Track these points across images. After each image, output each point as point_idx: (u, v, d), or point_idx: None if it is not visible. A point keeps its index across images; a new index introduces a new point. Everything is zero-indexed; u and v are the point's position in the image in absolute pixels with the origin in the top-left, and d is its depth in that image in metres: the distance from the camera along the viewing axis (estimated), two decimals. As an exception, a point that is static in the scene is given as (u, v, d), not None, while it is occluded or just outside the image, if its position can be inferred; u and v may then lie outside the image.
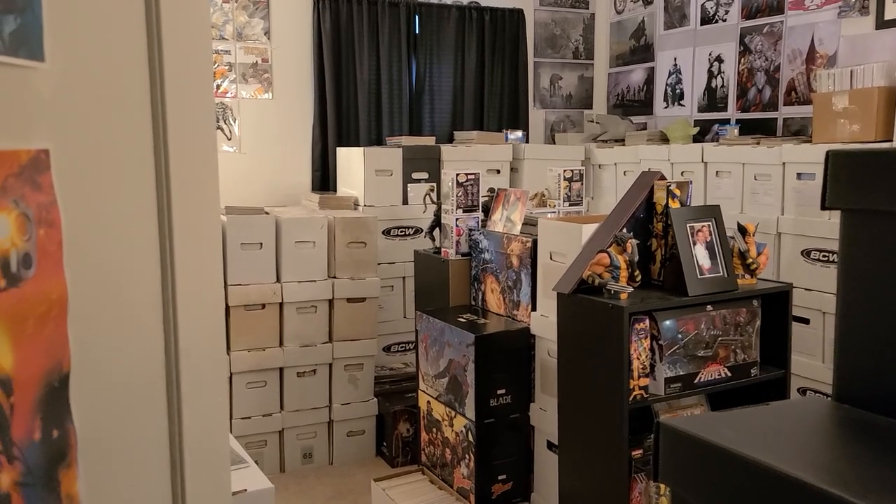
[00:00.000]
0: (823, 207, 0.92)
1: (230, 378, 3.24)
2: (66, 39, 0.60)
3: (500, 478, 2.58)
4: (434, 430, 2.78)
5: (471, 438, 2.54)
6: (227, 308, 3.21)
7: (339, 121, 4.09)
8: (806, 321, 2.90)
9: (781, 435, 0.77)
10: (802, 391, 2.93)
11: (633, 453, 2.02)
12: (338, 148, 4.01)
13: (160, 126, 0.67)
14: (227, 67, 3.88)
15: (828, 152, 0.92)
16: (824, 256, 2.84)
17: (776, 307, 2.27)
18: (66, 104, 0.59)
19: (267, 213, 3.39)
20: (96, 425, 0.62)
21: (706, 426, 0.79)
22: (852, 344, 0.88)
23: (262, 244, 3.26)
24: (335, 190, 4.04)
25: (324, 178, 4.09)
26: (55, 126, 0.58)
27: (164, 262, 0.68)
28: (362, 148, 3.72)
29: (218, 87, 3.87)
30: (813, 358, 2.87)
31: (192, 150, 0.70)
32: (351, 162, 3.81)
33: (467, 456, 2.57)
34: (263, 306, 3.28)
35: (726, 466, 0.75)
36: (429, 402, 2.80)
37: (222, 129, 3.89)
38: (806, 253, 2.93)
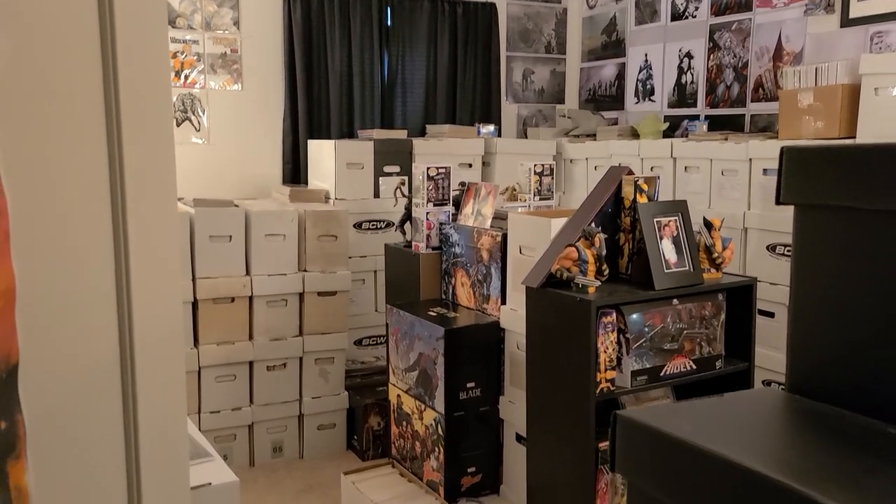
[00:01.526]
0: (778, 202, 0.94)
1: (198, 372, 3.22)
2: (16, 22, 0.59)
3: (469, 470, 2.59)
4: (404, 423, 2.78)
5: (440, 431, 2.55)
6: (196, 301, 3.18)
7: (310, 113, 4.07)
8: (771, 315, 2.95)
9: (735, 425, 0.79)
10: (767, 383, 2.98)
11: (600, 445, 2.04)
12: (309, 140, 3.99)
13: (113, 113, 0.66)
14: (195, 58, 3.83)
15: (782, 148, 0.93)
16: (789, 251, 2.88)
17: (741, 301, 2.30)
18: (13, 92, 0.58)
19: (236, 206, 3.36)
20: (47, 417, 0.62)
21: (662, 417, 0.80)
22: (805, 337, 0.90)
23: (231, 237, 3.23)
24: (306, 183, 4.02)
25: (294, 171, 4.07)
26: (2, 114, 0.57)
27: (118, 252, 0.67)
28: (333, 141, 3.70)
29: (186, 77, 3.82)
30: (777, 351, 2.92)
31: (146, 136, 0.69)
32: (322, 155, 3.79)
33: (437, 449, 2.58)
34: (233, 300, 3.26)
35: (681, 456, 0.76)
36: (399, 395, 2.81)
37: (191, 121, 3.85)
38: (771, 248, 2.97)
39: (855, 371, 0.85)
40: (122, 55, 0.66)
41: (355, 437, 3.51)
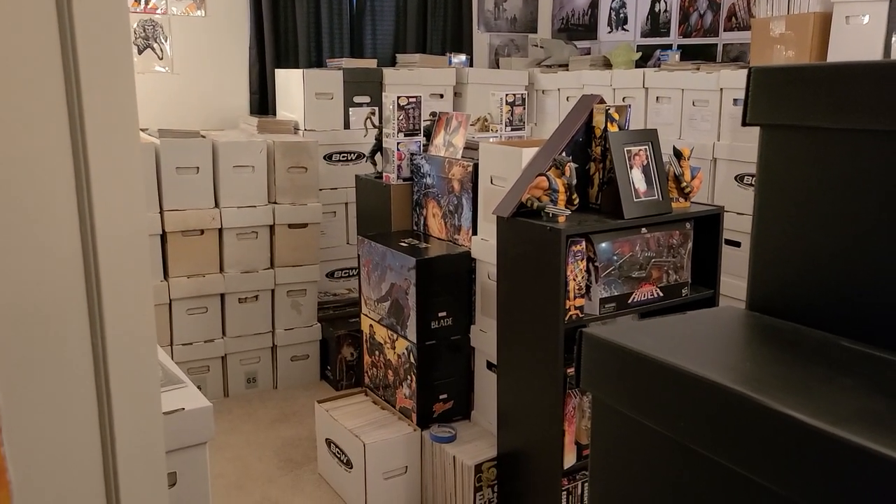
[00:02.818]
0: (744, 124, 0.95)
1: (169, 304, 3.21)
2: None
3: (441, 397, 2.65)
4: (377, 352, 2.82)
5: (412, 360, 2.59)
6: (164, 233, 3.15)
7: (277, 41, 3.96)
8: (737, 244, 3.01)
9: (696, 340, 0.81)
10: (731, 311, 3.05)
11: (568, 371, 2.09)
12: (276, 70, 3.89)
13: (68, 39, 0.63)
14: (155, -18, 3.68)
15: (750, 69, 0.94)
16: (756, 181, 2.92)
17: (708, 230, 2.34)
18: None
19: (203, 137, 3.30)
20: (12, 339, 0.61)
21: (625, 333, 0.83)
22: (766, 255, 0.93)
23: (198, 168, 3.18)
24: (274, 113, 3.95)
25: (262, 101, 3.98)
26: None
27: (80, 179, 0.66)
28: (301, 70, 3.62)
29: (146, 2, 3.68)
30: (742, 280, 2.98)
31: (104, 63, 0.67)
32: (290, 85, 3.71)
33: (409, 377, 2.62)
34: (202, 232, 3.23)
35: (643, 370, 0.78)
36: (371, 325, 2.83)
37: (153, 48, 3.73)
38: (739, 178, 3.00)
39: (813, 288, 0.87)
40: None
41: (328, 367, 3.55)
